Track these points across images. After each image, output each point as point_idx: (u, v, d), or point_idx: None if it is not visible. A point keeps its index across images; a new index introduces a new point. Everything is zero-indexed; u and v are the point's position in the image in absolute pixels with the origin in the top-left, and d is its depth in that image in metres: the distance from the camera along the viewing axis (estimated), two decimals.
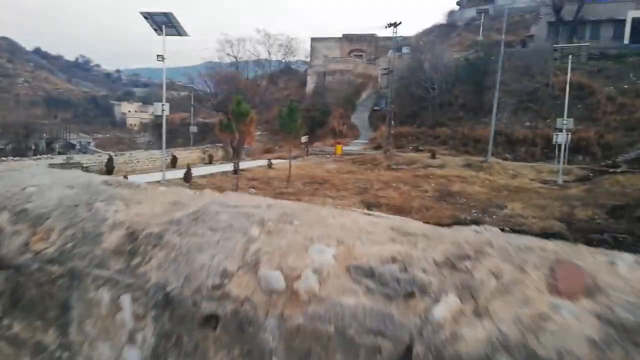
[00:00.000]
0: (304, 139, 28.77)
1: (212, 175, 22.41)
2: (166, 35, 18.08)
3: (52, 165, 19.33)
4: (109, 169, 20.80)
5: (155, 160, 25.10)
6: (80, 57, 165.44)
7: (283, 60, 44.92)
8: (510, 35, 40.46)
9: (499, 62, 27.98)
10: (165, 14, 17.45)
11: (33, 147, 44.24)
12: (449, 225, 12.74)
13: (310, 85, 50.37)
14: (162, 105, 18.36)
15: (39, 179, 1.26)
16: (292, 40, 39.39)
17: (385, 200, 16.37)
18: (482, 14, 52.86)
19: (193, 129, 36.94)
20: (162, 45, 18.07)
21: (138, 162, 23.81)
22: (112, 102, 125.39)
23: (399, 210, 14.97)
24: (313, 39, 56.18)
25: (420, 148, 32.03)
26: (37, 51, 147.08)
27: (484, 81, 34.98)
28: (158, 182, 19.31)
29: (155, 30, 18.32)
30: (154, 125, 70.83)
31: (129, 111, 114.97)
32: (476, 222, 13.39)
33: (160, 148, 36.98)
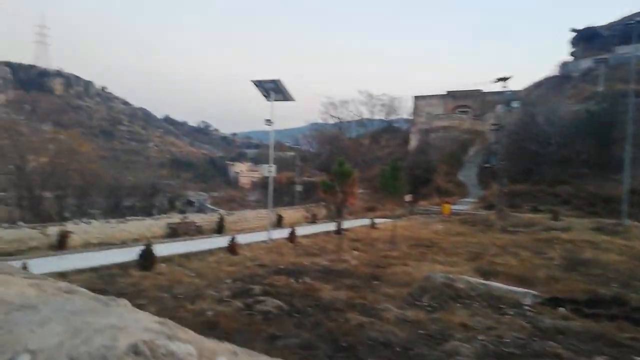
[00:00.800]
0: (407, 197, 27.84)
1: (315, 235, 22.29)
2: (275, 100, 18.92)
3: (169, 225, 20.69)
4: (219, 227, 21.71)
5: (263, 219, 25.81)
6: (202, 122, 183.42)
7: (385, 119, 45.21)
8: (637, 84, 36.49)
9: (628, 113, 25.02)
10: (274, 81, 18.36)
11: (157, 205, 48.29)
12: (586, 302, 10.81)
13: (413, 143, 49.71)
14: (269, 166, 18.91)
15: (42, 338, 0.82)
16: (394, 99, 39.66)
17: (504, 268, 14.66)
18: (601, 63, 48.95)
19: (298, 187, 37.97)
20: (270, 110, 18.91)
21: (247, 220, 24.66)
22: (227, 162, 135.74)
23: (521, 280, 13.25)
24: (416, 97, 56.09)
25: (539, 208, 29.17)
26: (166, 119, 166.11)
27: (610, 134, 31.50)
28: (264, 242, 19.59)
29: (265, 96, 19.29)
30: (263, 184, 74.51)
31: (241, 170, 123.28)
32: (619, 299, 11.26)
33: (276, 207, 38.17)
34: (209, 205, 69.42)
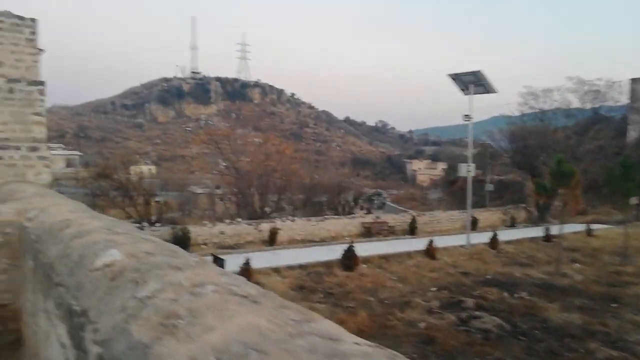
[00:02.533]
0: (634, 200, 23.03)
1: (518, 241, 19.95)
2: (474, 93, 17.41)
3: (364, 224, 20.89)
4: (411, 229, 21.11)
5: (455, 221, 24.35)
6: (379, 121, 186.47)
7: (593, 107, 38.53)
8: None
9: None
10: (474, 73, 16.87)
11: (343, 203, 50.14)
12: None
13: (632, 134, 41.56)
14: (468, 165, 17.49)
15: None
16: (613, 84, 33.26)
17: None
18: None
19: (489, 187, 34.95)
20: (469, 104, 17.46)
21: (438, 222, 23.56)
22: (404, 160, 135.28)
23: None
24: (634, 80, 46.78)
25: None
26: (346, 120, 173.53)
27: None
28: (462, 246, 18.25)
29: (462, 90, 17.91)
30: (445, 182, 71.63)
31: (419, 168, 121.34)
32: None
33: (456, 207, 36.27)
34: (390, 203, 69.80)
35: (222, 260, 10.11)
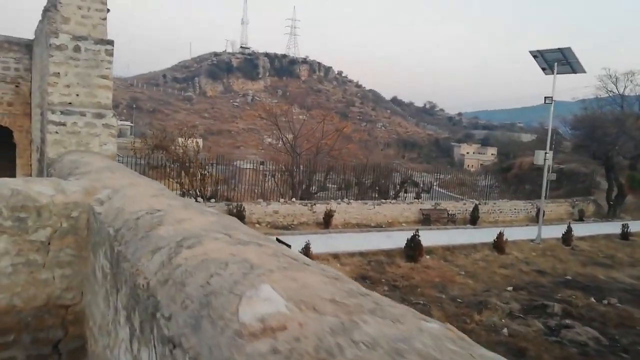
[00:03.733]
0: None
1: (592, 237, 18.24)
2: (558, 73, 15.69)
3: (422, 211, 19.70)
4: (473, 218, 19.76)
5: (518, 212, 22.75)
6: (428, 102, 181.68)
7: None
8: None
9: None
10: (561, 50, 15.14)
11: (391, 185, 48.76)
12: None
13: None
14: (546, 152, 15.94)
15: None
16: None
17: None
18: None
19: (551, 176, 32.61)
20: (553, 84, 15.76)
21: (501, 212, 22.02)
22: (452, 143, 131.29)
23: None
24: None
25: None
26: (393, 100, 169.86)
27: None
28: (531, 241, 16.83)
29: (544, 69, 16.20)
30: (497, 168, 68.67)
31: (468, 152, 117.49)
32: None
33: (510, 196, 34.24)
34: (437, 188, 67.65)
35: (289, 245, 9.38)
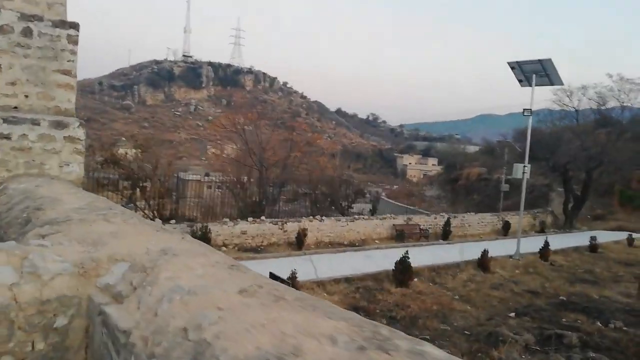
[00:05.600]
0: None
1: (563, 251, 18.13)
2: (536, 85, 15.42)
3: (395, 226, 18.76)
4: (445, 232, 19.12)
5: (485, 225, 22.48)
6: (371, 114, 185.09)
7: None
8: None
9: None
10: (541, 62, 14.84)
11: (342, 197, 47.79)
12: None
13: None
14: (524, 166, 15.56)
15: None
16: None
17: None
18: None
19: (505, 187, 33.18)
20: (531, 96, 15.45)
21: (470, 226, 21.61)
22: (395, 154, 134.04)
23: None
24: None
25: None
26: (338, 111, 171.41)
27: None
28: (510, 256, 16.34)
29: (520, 81, 15.90)
30: (440, 179, 70.46)
31: (410, 163, 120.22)
32: None
33: (459, 207, 34.50)
34: (385, 198, 68.03)
35: (288, 283, 7.87)
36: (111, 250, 1.86)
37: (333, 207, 44.15)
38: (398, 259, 12.23)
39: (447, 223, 19.52)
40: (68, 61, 4.57)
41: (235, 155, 30.57)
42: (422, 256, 15.12)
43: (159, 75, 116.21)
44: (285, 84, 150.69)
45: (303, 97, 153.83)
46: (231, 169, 40.11)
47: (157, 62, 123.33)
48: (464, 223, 21.49)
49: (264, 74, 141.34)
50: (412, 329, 9.48)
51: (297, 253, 14.53)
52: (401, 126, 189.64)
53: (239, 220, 15.06)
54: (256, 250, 14.54)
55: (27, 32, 4.34)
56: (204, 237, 12.97)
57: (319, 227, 16.32)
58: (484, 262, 14.21)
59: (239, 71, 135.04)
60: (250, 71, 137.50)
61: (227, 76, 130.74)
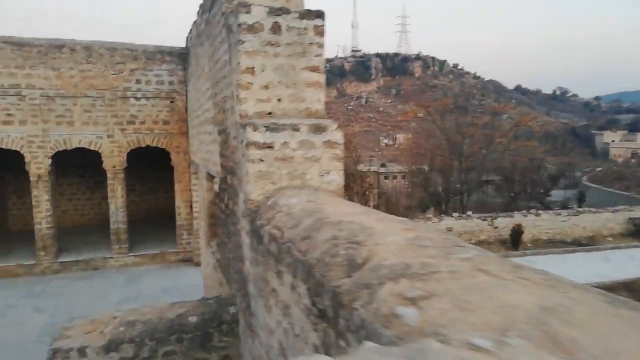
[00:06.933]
0: None
1: None
2: None
3: (634, 220, 15.36)
4: None
5: None
6: (558, 88, 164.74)
7: None
8: None
9: None
10: None
11: (538, 184, 42.85)
12: None
13: None
14: None
15: None
16: None
17: None
18: None
19: None
20: None
21: None
22: (592, 132, 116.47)
23: None
24: None
25: None
26: (517, 88, 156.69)
27: None
28: None
29: None
30: None
31: (613, 141, 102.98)
32: None
33: None
34: (588, 183, 58.83)
35: None
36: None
37: (524, 196, 39.67)
38: None
39: None
40: (316, 56, 4.03)
41: (413, 144, 29.52)
42: None
43: (331, 72, 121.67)
44: (455, 65, 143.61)
45: (476, 77, 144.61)
46: (407, 159, 38.98)
47: (329, 61, 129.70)
48: None
49: (432, 58, 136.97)
50: None
51: (515, 254, 12.70)
52: (597, 99, 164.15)
53: (443, 216, 13.91)
54: None
55: (276, 29, 3.91)
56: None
57: (535, 223, 14.12)
58: None
59: (406, 59, 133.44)
60: (418, 57, 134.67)
61: (395, 65, 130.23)
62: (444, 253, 1.70)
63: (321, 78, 4.04)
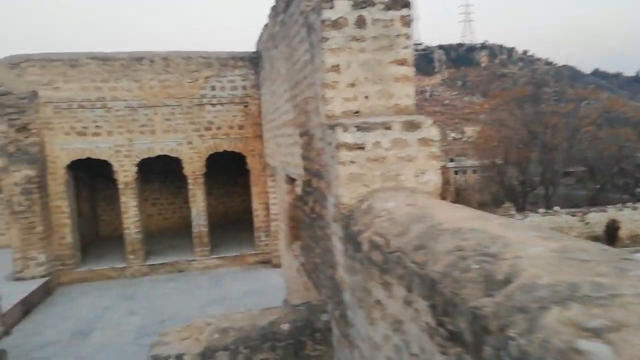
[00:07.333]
0: None
1: None
2: None
3: None
4: None
5: None
6: None
7: None
8: None
9: None
10: None
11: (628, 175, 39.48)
12: None
13: None
14: None
15: None
16: None
17: None
18: None
19: None
20: None
21: None
22: None
23: None
24: None
25: None
26: (595, 72, 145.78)
27: None
28: None
29: None
30: None
31: None
32: None
33: None
34: None
35: None
36: None
37: (611, 188, 36.88)
38: None
39: None
40: (404, 48, 3.79)
41: (486, 136, 28.17)
42: None
43: None
44: (525, 52, 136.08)
45: (548, 63, 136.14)
46: (479, 152, 37.36)
47: None
48: None
49: (499, 46, 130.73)
50: None
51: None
52: None
53: (527, 212, 13.04)
54: None
55: (360, 22, 3.72)
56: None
57: (632, 217, 12.84)
58: None
59: (472, 48, 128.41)
60: (484, 46, 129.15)
61: (460, 56, 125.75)
62: (617, 269, 1.41)
63: (410, 71, 3.80)
